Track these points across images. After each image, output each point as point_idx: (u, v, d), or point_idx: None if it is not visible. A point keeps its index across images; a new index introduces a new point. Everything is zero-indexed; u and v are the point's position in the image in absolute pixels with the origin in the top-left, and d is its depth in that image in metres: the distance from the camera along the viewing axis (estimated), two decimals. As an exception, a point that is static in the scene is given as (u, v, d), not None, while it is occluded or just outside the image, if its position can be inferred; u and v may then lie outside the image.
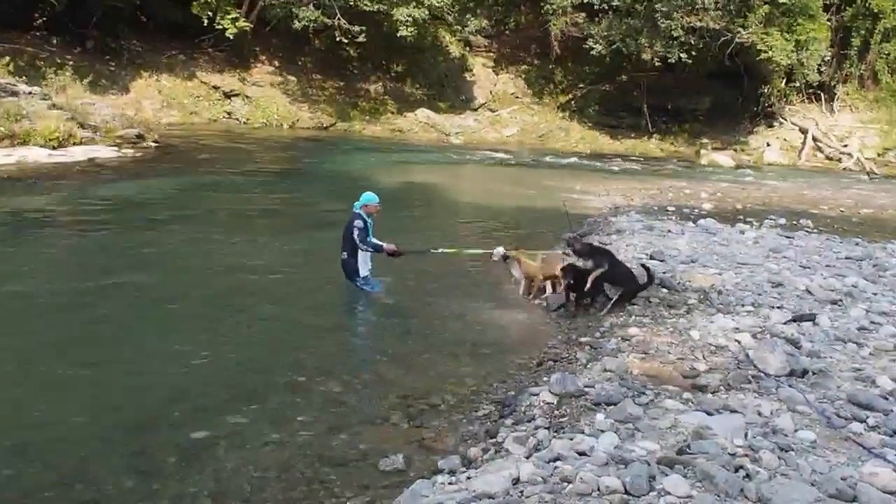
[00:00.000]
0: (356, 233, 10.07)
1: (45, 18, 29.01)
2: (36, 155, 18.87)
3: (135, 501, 5.27)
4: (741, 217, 18.42)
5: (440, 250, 11.09)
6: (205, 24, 31.35)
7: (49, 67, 26.00)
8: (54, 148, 19.57)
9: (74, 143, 20.36)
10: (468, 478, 5.17)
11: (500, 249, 10.81)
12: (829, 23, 37.62)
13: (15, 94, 20.65)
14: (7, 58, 25.87)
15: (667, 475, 4.69)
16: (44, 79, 24.29)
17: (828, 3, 38.03)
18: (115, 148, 21.30)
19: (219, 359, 7.93)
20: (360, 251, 10.17)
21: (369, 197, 10.42)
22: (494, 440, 5.95)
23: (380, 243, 10.27)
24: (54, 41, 29.88)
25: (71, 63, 27.95)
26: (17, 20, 28.66)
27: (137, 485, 5.47)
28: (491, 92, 40.96)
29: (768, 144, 38.46)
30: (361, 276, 10.31)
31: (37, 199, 15.18)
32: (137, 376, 7.33)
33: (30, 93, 21.28)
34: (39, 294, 9.49)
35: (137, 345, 8.14)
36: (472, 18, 39.35)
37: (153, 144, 23.04)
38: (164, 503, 5.27)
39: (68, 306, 9.21)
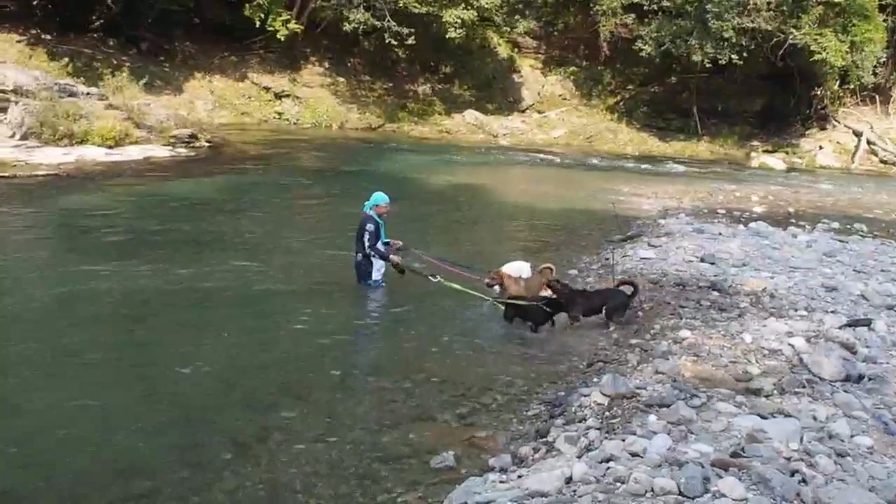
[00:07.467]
0: (367, 236, 10.03)
1: (102, 21, 29.65)
2: (93, 154, 19.27)
3: (190, 492, 5.39)
4: (793, 220, 18.13)
5: (439, 279, 9.95)
6: (256, 26, 31.76)
7: (106, 68, 26.47)
8: (111, 147, 19.96)
9: (130, 143, 20.75)
10: (519, 476, 5.20)
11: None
12: (885, 23, 36.74)
13: (73, 94, 21.15)
14: (66, 59, 26.59)
15: (721, 477, 4.66)
16: (101, 79, 24.69)
17: (884, 3, 37.15)
18: (170, 147, 21.66)
19: (268, 355, 8.07)
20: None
21: (380, 197, 10.33)
22: (545, 440, 5.97)
23: (388, 253, 10.23)
24: (111, 43, 30.56)
25: (127, 64, 28.45)
26: (75, 22, 29.38)
27: (192, 476, 5.60)
28: (539, 93, 40.78)
29: (821, 147, 37.65)
30: (374, 279, 10.31)
31: (93, 197, 15.56)
32: (187, 372, 7.44)
33: (87, 93, 21.81)
34: (90, 290, 9.64)
35: (186, 341, 8.27)
36: (520, 20, 39.20)
37: (206, 144, 23.37)
38: (219, 495, 5.38)
39: (118, 302, 9.39)
